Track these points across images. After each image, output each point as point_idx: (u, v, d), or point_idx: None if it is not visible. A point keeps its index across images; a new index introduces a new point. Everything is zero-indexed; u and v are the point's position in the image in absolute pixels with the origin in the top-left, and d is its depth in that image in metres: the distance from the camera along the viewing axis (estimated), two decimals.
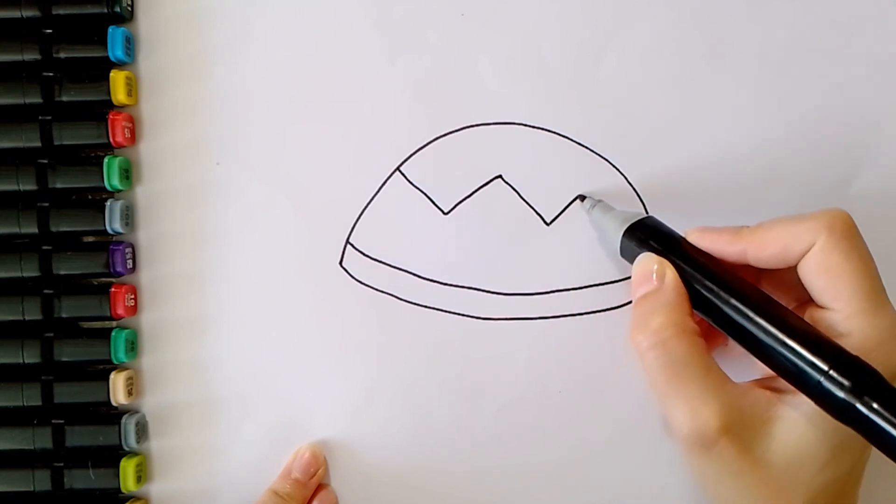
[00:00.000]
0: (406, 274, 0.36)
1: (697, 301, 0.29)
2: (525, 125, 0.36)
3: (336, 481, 0.36)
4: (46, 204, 0.35)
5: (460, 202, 0.36)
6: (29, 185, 0.35)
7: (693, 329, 0.29)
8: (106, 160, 0.35)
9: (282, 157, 0.36)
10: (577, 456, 0.36)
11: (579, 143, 0.36)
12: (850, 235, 0.28)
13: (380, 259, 0.36)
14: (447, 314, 0.36)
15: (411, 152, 0.36)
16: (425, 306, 0.36)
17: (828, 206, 0.29)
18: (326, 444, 0.36)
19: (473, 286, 0.36)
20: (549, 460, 0.36)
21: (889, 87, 0.35)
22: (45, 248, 0.35)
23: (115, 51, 0.35)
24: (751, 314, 0.28)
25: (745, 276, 0.30)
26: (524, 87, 0.36)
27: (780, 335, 0.27)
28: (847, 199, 0.35)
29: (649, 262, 0.30)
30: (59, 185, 0.35)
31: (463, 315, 0.36)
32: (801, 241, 0.28)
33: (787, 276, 0.30)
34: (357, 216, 0.36)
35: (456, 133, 0.36)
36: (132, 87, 0.36)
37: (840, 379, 0.24)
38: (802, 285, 0.29)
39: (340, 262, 0.36)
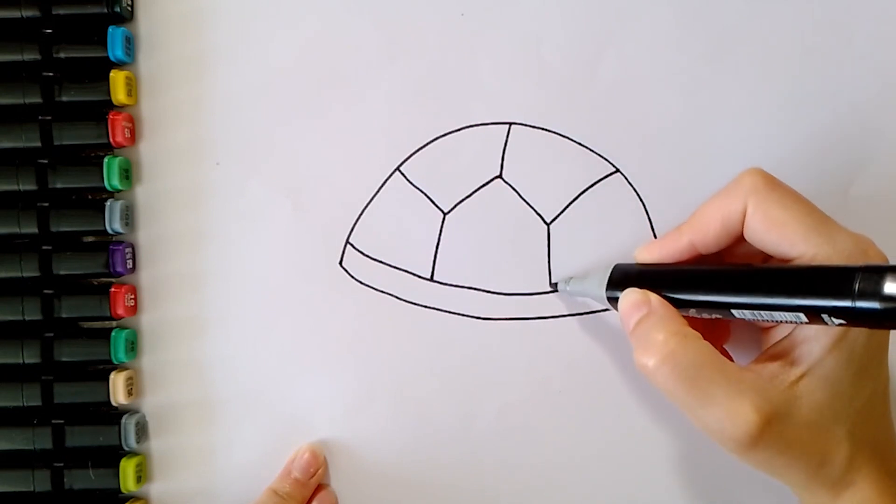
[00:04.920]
0: (406, 274, 0.36)
1: (698, 306, 0.30)
2: (525, 125, 0.36)
3: (336, 481, 0.36)
4: (46, 204, 0.35)
5: (460, 202, 0.36)
6: (29, 185, 0.35)
7: (694, 333, 0.29)
8: (106, 160, 0.35)
9: (282, 157, 0.36)
10: (577, 455, 0.36)
11: (579, 143, 0.36)
12: (774, 186, 0.29)
13: (380, 259, 0.36)
14: (447, 314, 0.36)
15: (411, 152, 0.36)
16: (425, 306, 0.36)
17: (828, 206, 0.29)
18: (326, 444, 0.36)
19: (473, 286, 0.36)
20: (548, 460, 0.36)
21: (889, 88, 0.35)
22: (45, 248, 0.35)
23: (115, 51, 0.35)
24: (753, 274, 0.28)
25: None
26: (524, 87, 0.36)
27: (792, 278, 0.27)
28: (847, 200, 0.35)
29: (631, 295, 0.31)
30: (59, 185, 0.35)
31: (463, 315, 0.36)
32: (734, 211, 0.30)
33: (739, 250, 0.31)
34: (357, 216, 0.36)
35: (456, 133, 0.36)
36: (132, 87, 0.36)
37: (872, 284, 0.25)
38: (756, 251, 0.30)
39: (340, 262, 0.36)
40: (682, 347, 0.28)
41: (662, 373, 0.28)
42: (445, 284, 0.36)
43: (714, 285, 0.29)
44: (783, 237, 0.29)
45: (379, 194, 0.36)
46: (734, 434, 0.27)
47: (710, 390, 0.28)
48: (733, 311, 0.28)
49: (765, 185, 0.29)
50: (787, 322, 0.27)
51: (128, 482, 0.35)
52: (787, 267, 0.28)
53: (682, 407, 0.29)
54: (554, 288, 0.36)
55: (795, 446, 0.28)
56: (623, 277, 0.32)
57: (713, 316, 0.29)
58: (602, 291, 0.33)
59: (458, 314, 0.36)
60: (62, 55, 0.35)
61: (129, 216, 0.36)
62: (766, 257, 0.31)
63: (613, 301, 0.32)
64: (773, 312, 0.27)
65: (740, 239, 0.30)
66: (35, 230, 0.35)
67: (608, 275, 0.33)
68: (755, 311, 0.28)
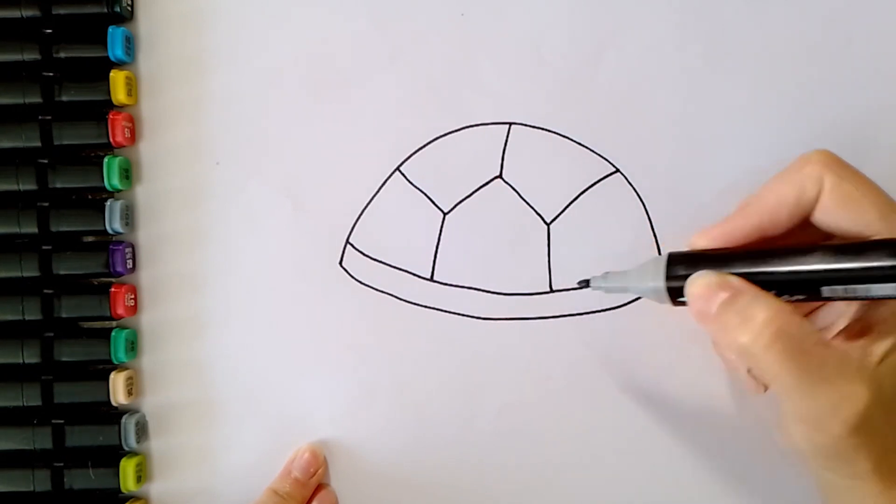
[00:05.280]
0: (406, 274, 0.36)
1: (785, 286, 0.28)
2: (525, 125, 0.36)
3: (336, 481, 0.36)
4: (46, 204, 0.35)
5: (460, 202, 0.36)
6: (29, 185, 0.35)
7: (797, 310, 0.28)
8: (106, 160, 0.35)
9: (282, 157, 0.36)
10: (577, 455, 0.36)
11: (579, 143, 0.36)
12: (845, 165, 0.29)
13: (380, 259, 0.36)
14: (447, 314, 0.36)
15: (411, 152, 0.36)
16: (425, 306, 0.36)
17: None
18: (326, 444, 0.36)
19: (473, 286, 0.36)
20: (548, 460, 0.36)
21: (889, 87, 0.35)
22: (45, 248, 0.35)
23: (115, 51, 0.35)
24: (848, 248, 0.27)
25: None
26: (524, 87, 0.36)
27: (871, 249, 0.27)
28: None
29: (706, 277, 0.29)
30: (59, 185, 0.35)
31: (463, 315, 0.36)
32: (809, 188, 0.29)
33: (796, 233, 0.30)
34: (357, 216, 0.36)
35: (456, 133, 0.36)
36: (132, 87, 0.36)
37: None
38: (817, 231, 0.30)
39: (340, 262, 0.36)
40: (790, 325, 0.27)
41: (773, 353, 0.26)
42: (445, 284, 0.36)
43: (807, 261, 0.28)
44: (860, 215, 0.28)
45: (379, 194, 0.36)
46: (846, 415, 0.26)
47: (822, 370, 0.26)
48: (823, 290, 0.27)
49: (838, 163, 0.29)
50: (880, 297, 0.27)
51: (128, 482, 0.35)
52: (885, 239, 0.27)
53: (785, 388, 0.27)
54: (584, 285, 0.34)
55: (877, 429, 0.27)
56: (685, 263, 0.30)
57: (794, 298, 0.28)
58: (659, 282, 0.30)
59: (458, 314, 0.36)
60: (62, 55, 0.35)
61: (129, 216, 0.36)
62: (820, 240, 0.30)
63: (673, 291, 0.30)
64: (871, 285, 0.26)
65: (797, 225, 0.30)
66: (35, 230, 0.35)
67: (664, 263, 0.31)
68: (849, 287, 0.27)
